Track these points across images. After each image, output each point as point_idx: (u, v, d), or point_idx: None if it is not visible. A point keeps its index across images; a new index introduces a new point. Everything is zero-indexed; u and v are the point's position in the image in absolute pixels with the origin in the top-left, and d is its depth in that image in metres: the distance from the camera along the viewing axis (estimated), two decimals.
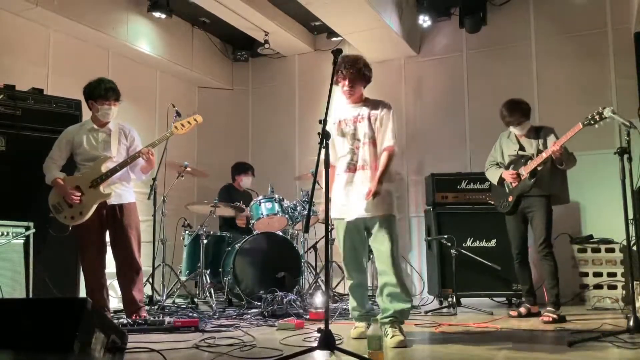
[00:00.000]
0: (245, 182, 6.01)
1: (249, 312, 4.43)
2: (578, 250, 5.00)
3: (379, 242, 3.27)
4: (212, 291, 4.97)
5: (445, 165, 5.88)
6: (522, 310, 4.30)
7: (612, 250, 4.87)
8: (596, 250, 4.93)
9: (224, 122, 7.26)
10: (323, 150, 2.71)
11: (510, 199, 4.26)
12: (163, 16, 6.00)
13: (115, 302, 4.30)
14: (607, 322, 3.73)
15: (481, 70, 6.20)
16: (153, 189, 4.76)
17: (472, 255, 4.88)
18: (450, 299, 4.74)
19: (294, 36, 6.62)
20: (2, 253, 3.64)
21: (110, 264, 3.92)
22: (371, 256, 3.64)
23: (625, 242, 3.45)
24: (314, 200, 3.31)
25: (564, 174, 4.24)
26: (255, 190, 6.02)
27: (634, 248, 3.69)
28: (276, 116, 7.28)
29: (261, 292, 4.69)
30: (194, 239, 5.32)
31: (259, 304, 4.48)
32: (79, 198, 3.70)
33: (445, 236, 4.84)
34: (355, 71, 3.30)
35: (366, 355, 2.54)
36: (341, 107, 3.47)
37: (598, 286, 4.83)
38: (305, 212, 4.17)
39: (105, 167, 3.79)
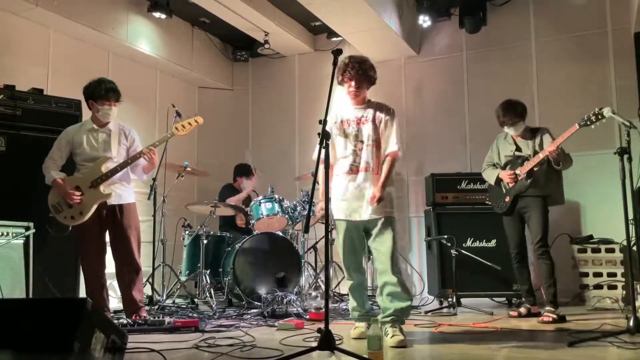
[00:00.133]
0: (246, 184, 6.02)
1: (249, 312, 4.43)
2: (578, 251, 5.00)
3: (379, 243, 3.27)
4: (212, 291, 4.96)
5: (445, 165, 5.88)
6: (522, 310, 4.30)
7: (612, 251, 4.87)
8: (596, 251, 4.93)
9: (224, 122, 7.26)
10: (322, 150, 2.72)
11: (507, 199, 4.27)
12: (163, 16, 6.00)
13: (115, 302, 4.30)
14: (607, 322, 3.73)
15: (481, 70, 6.20)
16: (153, 189, 4.76)
17: (472, 256, 4.88)
18: (450, 299, 4.74)
19: (294, 36, 6.61)
20: (2, 253, 3.64)
21: (110, 264, 3.92)
22: (371, 257, 3.65)
23: (625, 242, 3.46)
24: (314, 200, 3.32)
25: (560, 175, 4.27)
26: (255, 190, 6.02)
27: (634, 248, 3.69)
28: (276, 116, 7.28)
29: (261, 292, 4.69)
30: (194, 239, 5.31)
31: (259, 304, 4.48)
32: (79, 198, 3.70)
33: (445, 236, 4.84)
34: (362, 73, 3.30)
35: (366, 356, 2.54)
36: (343, 108, 3.45)
37: (598, 286, 4.83)
38: (305, 212, 4.16)
39: (105, 168, 3.79)
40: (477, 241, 5.08)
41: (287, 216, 5.18)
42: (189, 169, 5.16)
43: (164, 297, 4.91)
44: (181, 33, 6.68)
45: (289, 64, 7.29)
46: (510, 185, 4.23)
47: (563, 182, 4.42)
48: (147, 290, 4.77)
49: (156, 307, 4.55)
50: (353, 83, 3.32)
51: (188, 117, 4.06)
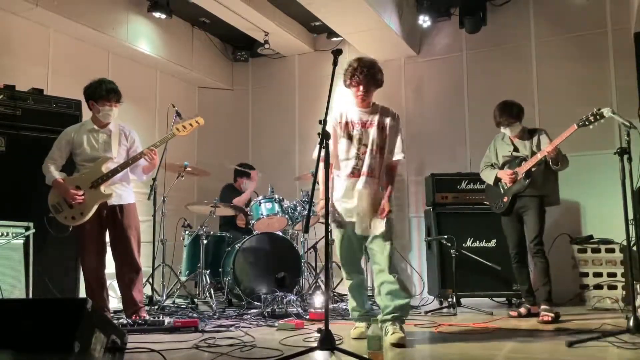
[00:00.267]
0: (245, 185, 6.02)
1: (249, 312, 4.43)
2: (578, 251, 5.00)
3: (377, 244, 3.27)
4: (212, 291, 4.96)
5: (445, 165, 5.88)
6: (522, 310, 4.30)
7: (612, 251, 4.87)
8: (596, 251, 4.93)
9: (224, 122, 7.26)
10: (322, 150, 2.72)
11: (506, 199, 4.27)
12: (163, 16, 6.00)
13: (115, 302, 4.30)
14: (607, 322, 3.73)
15: (481, 70, 6.20)
16: (153, 189, 4.76)
17: (472, 256, 4.88)
18: (450, 299, 4.74)
19: (294, 36, 6.61)
20: (2, 253, 3.65)
21: (110, 264, 3.92)
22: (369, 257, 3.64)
23: (625, 242, 3.46)
24: (314, 200, 3.32)
25: (556, 176, 4.28)
26: (255, 190, 6.02)
27: (634, 248, 3.69)
28: (276, 116, 7.28)
29: (261, 292, 4.69)
30: (193, 239, 5.31)
31: (259, 304, 4.48)
32: (81, 198, 3.70)
33: (445, 236, 4.84)
34: (371, 77, 3.30)
35: (366, 356, 2.54)
36: (348, 108, 3.43)
37: (598, 286, 4.83)
38: (305, 213, 4.16)
39: (105, 168, 3.78)
40: (477, 241, 5.08)
41: (287, 216, 5.18)
42: (189, 169, 5.15)
43: (164, 297, 4.91)
44: (181, 33, 6.68)
45: (289, 64, 7.29)
46: (509, 185, 4.24)
47: (562, 182, 4.43)
48: (147, 290, 4.77)
49: (156, 307, 4.55)
50: (362, 88, 3.30)
51: (189, 118, 4.06)
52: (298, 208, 5.26)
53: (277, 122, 7.26)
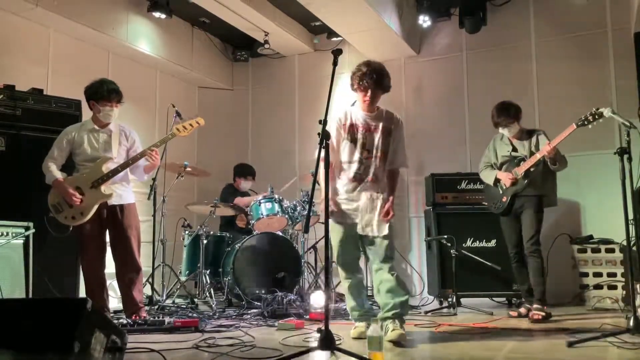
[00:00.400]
0: (244, 185, 6.02)
1: (249, 312, 4.43)
2: (578, 251, 5.00)
3: (378, 243, 3.28)
4: (212, 291, 4.96)
5: (445, 165, 5.88)
6: (522, 310, 4.30)
7: (612, 251, 4.87)
8: (596, 251, 4.93)
9: (224, 122, 7.26)
10: (321, 150, 2.72)
11: (505, 199, 4.28)
12: (163, 16, 6.00)
13: (115, 302, 4.30)
14: (607, 322, 3.73)
15: (481, 70, 6.20)
16: (153, 189, 4.76)
17: (472, 256, 4.88)
18: (450, 299, 4.74)
19: (294, 36, 6.61)
20: (2, 253, 3.64)
21: (110, 264, 3.92)
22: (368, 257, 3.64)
23: (625, 242, 3.46)
24: (314, 200, 3.32)
25: (554, 176, 4.28)
26: (255, 190, 6.02)
27: (634, 248, 3.69)
28: (276, 116, 7.28)
29: (261, 292, 4.69)
30: (193, 239, 5.31)
31: (259, 304, 4.47)
32: (80, 199, 3.70)
33: (445, 236, 4.84)
34: (379, 83, 3.29)
35: (366, 356, 2.54)
36: (352, 110, 3.42)
37: (598, 286, 4.83)
38: (305, 212, 4.16)
39: (106, 168, 3.78)
40: (477, 241, 5.08)
41: (287, 216, 5.18)
42: (189, 168, 5.15)
43: (164, 297, 4.91)
44: (181, 33, 6.68)
45: (289, 64, 7.29)
46: (508, 185, 4.24)
47: (562, 182, 4.43)
48: (147, 290, 4.77)
49: (156, 307, 4.55)
50: (369, 93, 3.29)
51: (189, 118, 4.06)
52: (298, 208, 5.26)
53: (277, 122, 7.26)
